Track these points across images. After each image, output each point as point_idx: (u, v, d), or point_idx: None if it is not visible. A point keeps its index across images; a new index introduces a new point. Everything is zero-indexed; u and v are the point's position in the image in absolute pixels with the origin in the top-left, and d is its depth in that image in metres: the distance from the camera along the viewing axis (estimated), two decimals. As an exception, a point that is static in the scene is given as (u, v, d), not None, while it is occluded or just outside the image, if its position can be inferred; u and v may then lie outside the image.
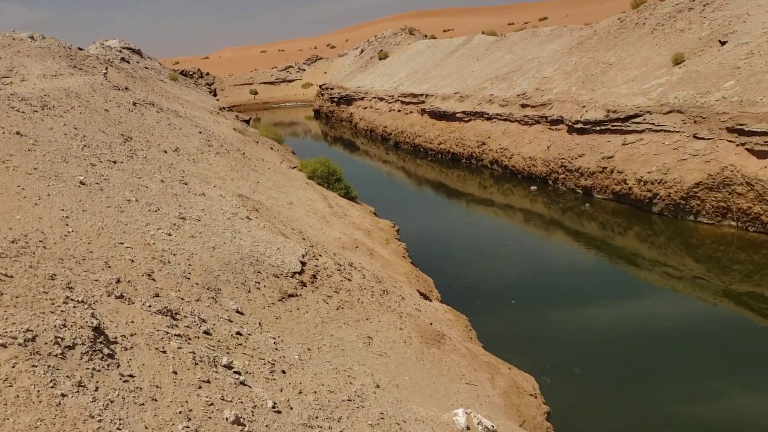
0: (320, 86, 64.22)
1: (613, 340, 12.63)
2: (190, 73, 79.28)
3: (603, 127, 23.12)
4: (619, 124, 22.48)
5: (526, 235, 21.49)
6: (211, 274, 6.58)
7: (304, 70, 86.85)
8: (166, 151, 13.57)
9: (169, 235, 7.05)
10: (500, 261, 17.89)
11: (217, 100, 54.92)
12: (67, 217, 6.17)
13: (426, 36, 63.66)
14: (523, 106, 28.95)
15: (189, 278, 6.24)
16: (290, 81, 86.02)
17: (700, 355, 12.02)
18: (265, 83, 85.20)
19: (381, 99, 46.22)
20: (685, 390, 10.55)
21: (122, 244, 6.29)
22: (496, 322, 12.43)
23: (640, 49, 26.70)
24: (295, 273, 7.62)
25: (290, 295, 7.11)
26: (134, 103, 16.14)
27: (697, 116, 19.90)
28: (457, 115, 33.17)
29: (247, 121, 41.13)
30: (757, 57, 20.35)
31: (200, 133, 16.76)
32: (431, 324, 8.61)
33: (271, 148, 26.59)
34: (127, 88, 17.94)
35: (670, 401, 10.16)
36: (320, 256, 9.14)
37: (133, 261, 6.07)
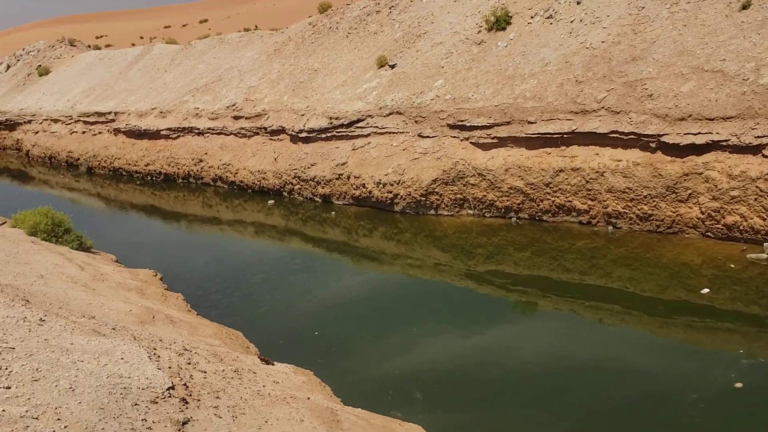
0: (-33, 112, 54.83)
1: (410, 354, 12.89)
2: None
3: (329, 134, 23.48)
4: (344, 130, 23.04)
5: (282, 251, 20.93)
6: (96, 431, 4.93)
7: (-65, 93, 73.36)
8: None
9: (8, 388, 5.11)
10: (273, 286, 17.11)
11: None
12: None
13: (89, 46, 58.22)
14: (236, 118, 28.08)
15: (80, 450, 4.59)
16: None
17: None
18: None
19: (56, 121, 41.06)
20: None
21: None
22: (325, 364, 11.78)
23: (341, 53, 27.65)
24: (169, 389, 6.16)
25: (184, 423, 5.71)
26: None
27: (417, 116, 21.28)
28: (162, 132, 30.93)
29: None
30: (456, 56, 22.44)
31: None
32: (309, 398, 7.74)
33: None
34: None
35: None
36: (156, 350, 7.61)
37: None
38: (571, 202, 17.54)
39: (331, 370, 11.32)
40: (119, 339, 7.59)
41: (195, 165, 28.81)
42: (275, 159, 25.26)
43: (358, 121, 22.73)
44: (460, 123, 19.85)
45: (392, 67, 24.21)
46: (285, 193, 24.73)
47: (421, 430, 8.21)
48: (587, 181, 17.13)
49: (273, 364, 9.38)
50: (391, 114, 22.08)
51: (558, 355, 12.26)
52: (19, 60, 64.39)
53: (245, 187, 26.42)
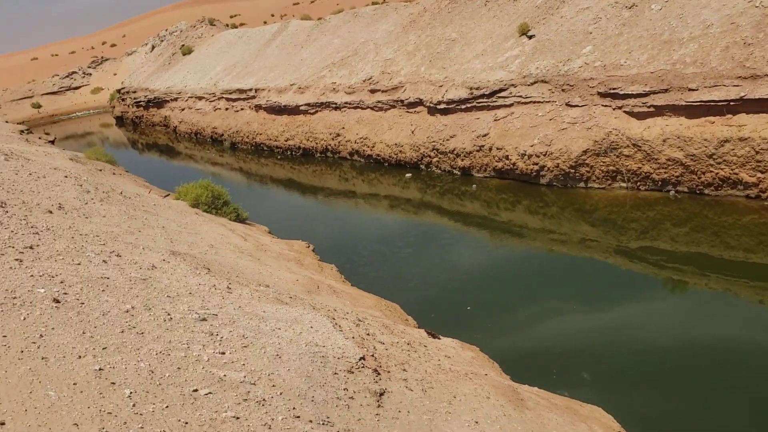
0: (119, 91, 58.88)
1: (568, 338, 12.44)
2: (-45, 93, 69.00)
3: (469, 105, 23.08)
4: (485, 100, 22.55)
5: (422, 225, 20.93)
6: (307, 399, 5.01)
7: (91, 74, 79.43)
8: (51, 212, 11.01)
9: (222, 353, 5.31)
10: (418, 259, 17.15)
11: (7, 122, 48.17)
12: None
13: (227, 25, 60.62)
14: (373, 91, 28.25)
15: (299, 417, 4.68)
16: (77, 88, 78.29)
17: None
18: (48, 94, 76.69)
19: (200, 98, 43.19)
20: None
21: (196, 392, 4.54)
22: (483, 339, 11.64)
23: (479, 22, 27.04)
24: (360, 359, 6.20)
25: (381, 394, 5.73)
26: (-24, 154, 13.02)
27: (564, 84, 20.43)
28: (301, 107, 31.71)
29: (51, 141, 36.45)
30: (605, 21, 21.28)
31: (66, 177, 13.99)
32: (487, 375, 7.60)
33: (114, 174, 23.49)
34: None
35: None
36: (335, 320, 7.71)
37: (226, 412, 4.38)
38: (737, 174, 16.24)
39: (491, 346, 11.12)
40: (300, 308, 7.76)
41: (332, 139, 29.33)
42: (412, 132, 25.20)
43: (501, 90, 22.16)
44: (612, 91, 18.86)
45: (529, 38, 23.36)
46: (422, 166, 24.65)
47: (601, 413, 7.86)
48: (757, 152, 15.77)
49: (439, 338, 9.32)
50: (535, 83, 21.35)
51: (719, 336, 11.50)
52: (163, 40, 68.21)
53: (382, 160, 26.59)
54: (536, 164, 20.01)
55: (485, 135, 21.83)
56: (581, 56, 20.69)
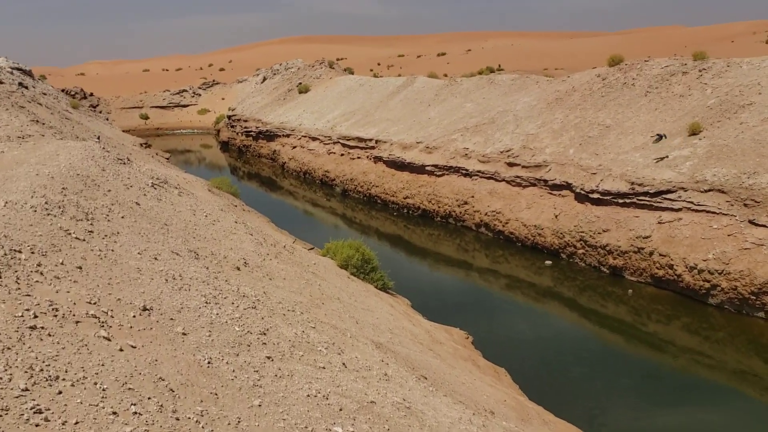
0: (229, 117, 59.68)
1: None
2: (72, 93, 71.44)
3: (627, 200, 21.37)
4: (647, 198, 20.82)
5: (561, 322, 19.19)
6: None
7: (200, 95, 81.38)
8: (239, 268, 9.87)
9: None
10: (571, 365, 15.39)
11: (120, 130, 49.12)
12: None
13: (345, 70, 60.95)
14: (511, 164, 26.88)
15: None
16: (185, 106, 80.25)
17: None
18: (156, 107, 78.85)
19: (314, 139, 42.85)
20: None
21: None
22: None
23: (638, 112, 25.46)
24: None
25: None
26: (153, 185, 12.13)
27: (748, 199, 18.53)
28: (427, 167, 30.57)
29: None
30: (801, 137, 19.38)
31: (236, 223, 12.96)
32: None
33: (244, 210, 22.69)
34: (129, 159, 13.74)
35: None
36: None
37: None
38: None
39: None
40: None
41: (458, 206, 27.99)
42: (555, 216, 23.58)
43: (668, 192, 20.39)
44: (812, 217, 16.88)
45: (700, 140, 21.59)
46: (563, 256, 22.91)
47: None
48: None
49: None
50: (710, 191, 19.51)
51: None
52: (276, 74, 69.17)
53: (514, 239, 25.01)
54: (707, 281, 18.05)
55: (647, 237, 20.02)
56: (771, 171, 18.79)
